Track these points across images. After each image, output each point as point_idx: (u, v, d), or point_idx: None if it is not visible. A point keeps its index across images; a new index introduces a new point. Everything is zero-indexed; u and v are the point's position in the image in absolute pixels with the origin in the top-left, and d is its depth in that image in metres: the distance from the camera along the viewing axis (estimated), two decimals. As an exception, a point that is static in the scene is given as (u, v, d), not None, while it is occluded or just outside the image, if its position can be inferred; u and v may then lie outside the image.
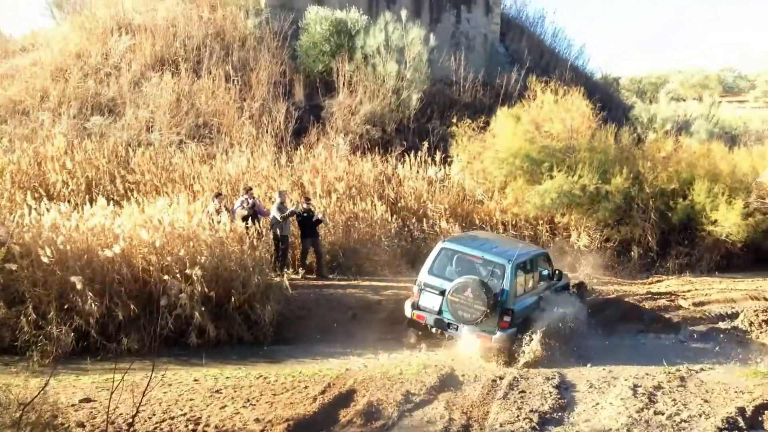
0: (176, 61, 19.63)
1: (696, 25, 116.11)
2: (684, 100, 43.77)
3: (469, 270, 10.76)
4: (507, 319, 10.38)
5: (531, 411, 8.18)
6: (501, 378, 9.35)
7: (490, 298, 10.19)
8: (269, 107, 18.84)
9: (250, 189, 14.22)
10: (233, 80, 19.31)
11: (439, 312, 10.65)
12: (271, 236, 13.57)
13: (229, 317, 11.24)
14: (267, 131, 18.06)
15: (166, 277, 10.85)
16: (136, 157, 16.02)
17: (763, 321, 12.20)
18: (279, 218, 13.53)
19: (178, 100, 18.46)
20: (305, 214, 13.99)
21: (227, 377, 9.33)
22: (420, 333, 11.15)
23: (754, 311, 12.52)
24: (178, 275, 10.91)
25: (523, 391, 8.89)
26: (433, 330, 10.91)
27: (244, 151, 16.96)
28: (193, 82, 19.06)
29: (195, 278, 10.80)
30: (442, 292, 10.56)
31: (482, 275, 10.59)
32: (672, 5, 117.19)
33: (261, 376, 9.40)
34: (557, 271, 12.03)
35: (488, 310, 10.17)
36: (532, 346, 10.33)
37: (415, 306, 10.91)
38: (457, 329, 10.55)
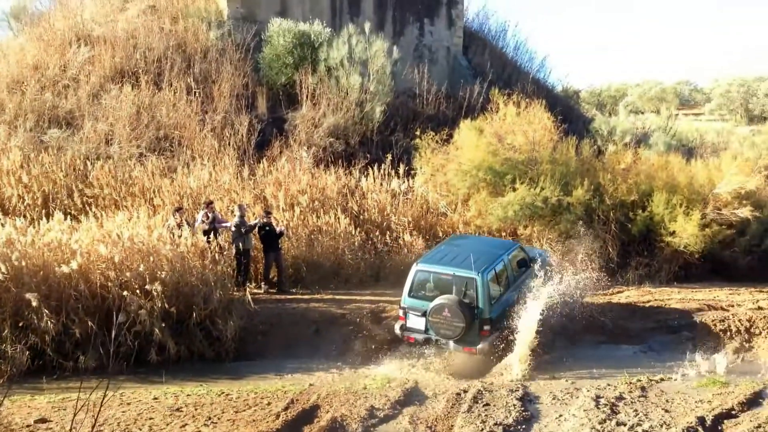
0: (136, 72, 19.36)
1: (653, 39, 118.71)
2: (642, 113, 44.67)
3: (445, 287, 11.17)
4: (486, 327, 10.94)
5: (495, 424, 8.19)
6: (465, 391, 9.35)
7: (467, 314, 10.71)
8: (231, 120, 18.68)
9: (211, 203, 14.07)
10: (195, 92, 19.11)
11: (426, 331, 11.10)
12: (234, 251, 13.42)
13: (190, 333, 11.08)
14: (229, 144, 17.90)
15: (125, 293, 10.67)
16: (95, 170, 15.76)
17: (721, 330, 12.39)
18: (241, 232, 13.40)
19: (138, 113, 18.20)
20: (267, 228, 13.90)
21: (188, 395, 9.18)
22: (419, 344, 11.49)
23: (712, 321, 12.71)
24: (137, 291, 10.74)
25: (487, 404, 8.90)
26: (426, 347, 11.32)
27: (205, 164, 16.78)
28: (154, 94, 18.81)
29: (155, 294, 10.63)
30: (424, 313, 11.01)
31: (458, 290, 11.03)
32: (630, 19, 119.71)
33: (223, 393, 9.27)
34: (530, 258, 12.86)
35: (467, 326, 10.67)
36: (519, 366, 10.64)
37: (404, 328, 11.34)
38: (446, 344, 11.04)
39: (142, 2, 22.51)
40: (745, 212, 17.30)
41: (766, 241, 18.32)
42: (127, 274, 10.87)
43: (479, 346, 10.86)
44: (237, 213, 13.82)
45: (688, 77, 70.38)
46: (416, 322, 11.19)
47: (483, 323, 10.91)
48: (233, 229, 13.53)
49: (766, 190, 20.26)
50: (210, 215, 13.52)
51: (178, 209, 13.53)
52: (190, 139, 17.88)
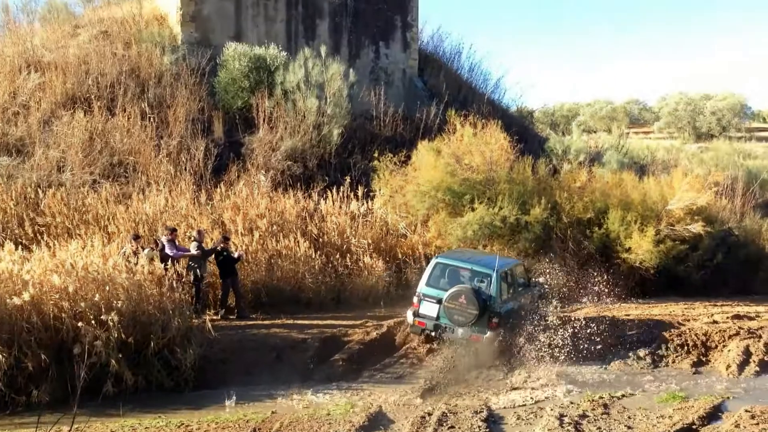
0: (89, 98, 19.04)
1: (602, 59, 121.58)
2: (595, 132, 45.58)
3: (461, 280, 12.33)
4: (495, 320, 11.93)
5: (460, 447, 8.15)
6: (430, 414, 9.30)
7: (481, 303, 11.71)
8: (187, 144, 18.47)
9: (174, 230, 13.82)
10: (149, 117, 18.87)
11: (437, 318, 12.09)
12: (192, 278, 13.22)
13: (147, 363, 10.79)
14: (185, 169, 17.67)
15: (79, 323, 10.35)
16: (47, 198, 15.35)
17: (678, 345, 12.58)
18: (200, 258, 13.24)
19: (91, 139, 17.86)
20: (225, 254, 13.76)
21: (146, 427, 8.95)
22: (421, 336, 12.49)
23: (670, 336, 12.91)
24: (92, 321, 10.42)
25: (452, 427, 8.86)
26: (433, 334, 12.23)
27: (161, 189, 16.52)
28: (107, 120, 18.51)
29: (111, 324, 10.34)
30: (439, 301, 12.01)
31: (473, 284, 12.12)
32: (579, 39, 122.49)
33: (182, 424, 9.06)
34: (532, 279, 14.14)
35: (479, 313, 11.64)
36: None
37: (416, 314, 12.31)
38: (453, 332, 11.96)
39: (93, 27, 22.26)
40: (697, 227, 17.72)
41: (718, 256, 18.79)
42: (82, 304, 10.56)
43: (487, 335, 11.80)
44: (195, 239, 13.64)
45: (637, 96, 72.20)
46: (429, 309, 12.15)
47: (492, 316, 11.91)
48: (195, 254, 13.36)
49: (716, 205, 20.82)
50: (159, 243, 13.34)
51: (136, 237, 13.27)
52: (145, 165, 17.61)
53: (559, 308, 13.80)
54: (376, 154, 18.68)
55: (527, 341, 12.15)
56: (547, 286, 14.89)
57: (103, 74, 19.82)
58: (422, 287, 12.45)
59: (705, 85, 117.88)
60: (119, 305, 10.64)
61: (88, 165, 17.23)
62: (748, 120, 54.77)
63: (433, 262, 12.83)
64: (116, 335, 10.34)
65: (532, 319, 12.59)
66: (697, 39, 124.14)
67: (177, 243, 13.67)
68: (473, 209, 16.60)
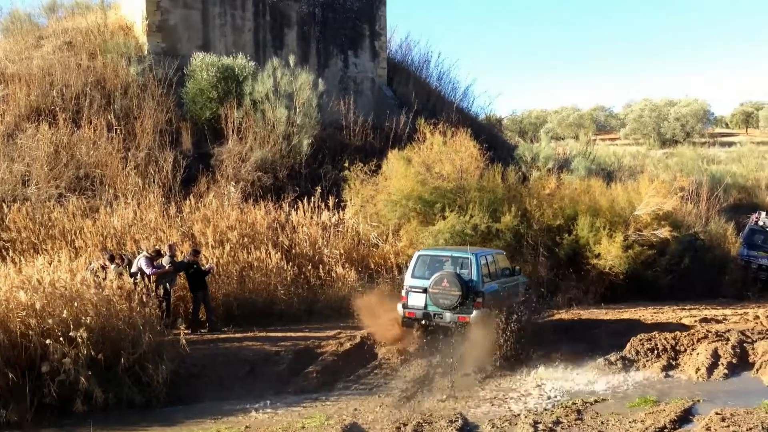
0: (53, 110, 18.79)
1: (569, 66, 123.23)
2: (562, 139, 46.18)
3: (442, 267, 12.89)
4: (479, 300, 12.51)
5: (436, 457, 8.13)
6: (405, 425, 9.27)
7: (463, 284, 12.32)
8: (155, 156, 18.29)
9: (158, 253, 13.65)
10: (116, 129, 18.67)
11: (425, 307, 12.66)
12: (161, 292, 13.07)
13: (118, 380, 10.61)
14: (154, 181, 17.50)
15: (47, 341, 10.15)
16: (11, 213, 15.10)
17: (648, 349, 12.70)
18: (172, 272, 13.13)
19: (57, 152, 17.61)
20: (195, 267, 13.64)
21: (117, 446, 8.78)
22: (415, 326, 12.99)
23: (640, 340, 13.03)
24: (61, 338, 10.23)
25: (427, 437, 8.84)
26: (423, 322, 12.76)
27: (129, 202, 16.33)
28: (73, 133, 18.28)
29: (80, 341, 10.16)
30: (425, 290, 12.61)
31: (453, 268, 12.75)
32: (545, 46, 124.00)
33: (154, 441, 8.91)
34: (516, 268, 14.74)
35: (463, 294, 12.24)
36: None
37: (405, 306, 12.89)
38: (441, 317, 12.56)
39: (57, 38, 21.97)
40: (664, 232, 17.97)
41: (684, 260, 19.09)
42: (50, 321, 10.35)
43: (473, 314, 12.33)
44: (167, 253, 13.51)
45: (603, 103, 73.23)
46: (417, 300, 12.74)
47: (476, 295, 12.48)
48: (168, 269, 13.25)
49: (682, 210, 21.17)
50: (125, 258, 13.23)
51: (111, 257, 13.09)
52: (113, 178, 17.40)
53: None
54: (346, 164, 18.66)
55: (503, 339, 12.28)
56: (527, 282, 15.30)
57: (68, 86, 19.57)
58: (408, 280, 13.07)
59: (668, 90, 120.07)
60: (88, 321, 10.44)
61: (54, 178, 16.97)
62: (711, 125, 55.91)
63: (415, 255, 13.45)
64: (85, 352, 10.16)
65: (518, 308, 12.80)
66: (660, 44, 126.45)
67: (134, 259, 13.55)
68: (444, 217, 16.65)
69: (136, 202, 16.45)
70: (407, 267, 13.60)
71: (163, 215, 16.18)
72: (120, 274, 12.11)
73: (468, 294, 12.39)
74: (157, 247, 13.98)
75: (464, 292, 12.31)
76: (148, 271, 13.00)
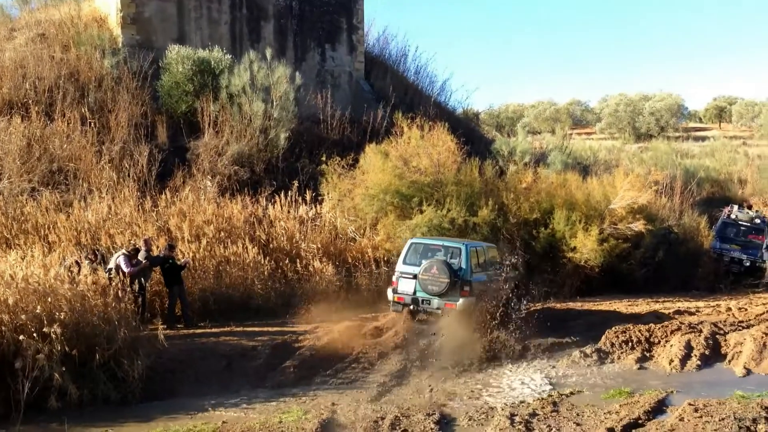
0: (26, 104, 18.49)
1: (546, 60, 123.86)
2: (539, 133, 46.45)
3: (434, 255, 13.44)
4: (467, 288, 13.03)
5: (414, 450, 8.17)
6: (382, 418, 9.29)
7: (452, 272, 12.85)
8: (130, 150, 18.09)
9: (136, 251, 13.49)
10: (90, 123, 18.42)
11: (414, 293, 13.22)
12: (137, 287, 12.95)
13: (93, 376, 10.49)
14: (129, 175, 17.31)
15: (21, 337, 10.00)
16: (-17, 207, 14.85)
17: (623, 341, 12.85)
18: (148, 267, 13.01)
19: (29, 145, 17.33)
20: (170, 262, 13.53)
21: (93, 442, 8.70)
22: (402, 311, 13.50)
23: (615, 332, 13.18)
24: (34, 334, 10.08)
25: (405, 430, 8.87)
26: (411, 307, 13.30)
27: (104, 196, 16.13)
28: (46, 126, 18.00)
29: (54, 336, 10.03)
30: (415, 276, 13.15)
31: (444, 257, 13.28)
32: (521, 40, 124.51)
33: (130, 437, 8.85)
34: (504, 261, 14.78)
35: (451, 281, 12.77)
36: None
37: (395, 291, 13.49)
38: (429, 303, 13.10)
39: (30, 30, 21.63)
40: (639, 226, 18.19)
41: (659, 253, 19.33)
42: (23, 316, 10.20)
43: (459, 302, 12.87)
44: (143, 248, 13.39)
45: (579, 97, 73.74)
46: (407, 285, 13.32)
47: (464, 284, 12.99)
48: (144, 266, 13.14)
49: (657, 204, 21.42)
50: (98, 254, 13.08)
51: (94, 252, 12.97)
52: (87, 172, 17.18)
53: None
54: (323, 158, 18.62)
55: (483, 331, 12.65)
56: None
57: (41, 78, 19.27)
58: (399, 266, 13.62)
59: (643, 85, 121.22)
60: (62, 317, 10.30)
61: (27, 172, 16.71)
62: (685, 120, 56.55)
63: (408, 242, 14.02)
64: (59, 348, 10.01)
65: (506, 300, 13.56)
66: (638, 40, 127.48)
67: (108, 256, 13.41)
68: (422, 211, 16.69)
69: (111, 196, 16.26)
70: (400, 254, 14.12)
71: (139, 209, 16.01)
72: (94, 270, 11.98)
73: (456, 282, 12.88)
74: (135, 244, 13.82)
75: (452, 280, 12.83)
76: (126, 269, 12.88)
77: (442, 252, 13.55)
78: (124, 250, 13.29)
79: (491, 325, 12.90)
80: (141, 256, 13.24)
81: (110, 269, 12.74)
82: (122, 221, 15.43)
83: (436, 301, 13.03)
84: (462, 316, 12.88)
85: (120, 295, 11.48)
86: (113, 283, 11.66)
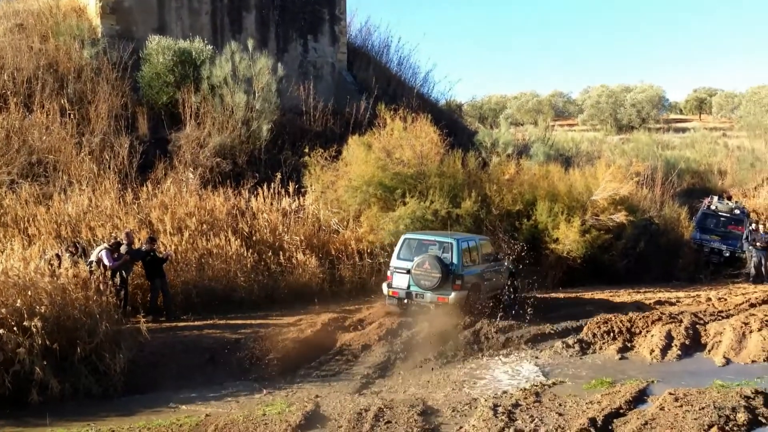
0: (4, 95, 18.26)
1: (526, 52, 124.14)
2: (522, 125, 46.56)
3: (427, 251, 13.71)
4: (458, 282, 13.35)
5: (398, 442, 8.19)
6: (366, 410, 9.30)
7: (443, 267, 13.13)
8: (111, 142, 17.92)
9: (118, 245, 13.36)
10: (69, 114, 18.23)
11: (408, 287, 13.48)
12: (118, 280, 12.86)
13: (74, 370, 10.42)
14: (109, 167, 17.15)
15: (0, 331, 9.91)
16: (-39, 200, 14.66)
17: (604, 332, 12.95)
18: (130, 260, 12.94)
19: (8, 137, 17.12)
20: (152, 254, 13.45)
21: (74, 436, 8.64)
22: (396, 304, 13.73)
23: (596, 323, 13.28)
24: (14, 328, 9.99)
25: (389, 422, 8.88)
26: (405, 301, 13.55)
27: (84, 189, 15.99)
28: (25, 117, 17.78)
29: (34, 330, 9.94)
30: (408, 271, 13.41)
31: (437, 253, 13.51)
32: (505, 33, 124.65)
33: (112, 431, 8.80)
34: (499, 254, 15.56)
35: (442, 276, 13.06)
36: None
37: (390, 285, 13.79)
38: (422, 297, 13.37)
39: (8, 20, 21.31)
40: (621, 217, 18.31)
41: (640, 244, 19.48)
42: (2, 310, 10.10)
43: (451, 296, 13.19)
44: (125, 241, 13.29)
45: (561, 89, 73.92)
46: (401, 280, 13.59)
47: (456, 278, 13.30)
48: (126, 259, 13.05)
49: (638, 195, 21.57)
50: (79, 247, 12.97)
51: (75, 245, 12.84)
52: (67, 164, 17.00)
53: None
54: (306, 150, 18.54)
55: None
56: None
57: (20, 69, 19.03)
58: (393, 261, 13.92)
59: (625, 77, 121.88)
60: (42, 310, 10.22)
61: (6, 164, 16.51)
62: (666, 111, 56.93)
63: (402, 238, 14.24)
64: (40, 342, 9.94)
65: (501, 291, 14.73)
66: (619, 31, 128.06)
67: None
68: (405, 203, 16.69)
69: (91, 188, 16.12)
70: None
71: (120, 202, 15.89)
72: (75, 263, 11.87)
73: (448, 276, 13.17)
74: (116, 238, 13.70)
75: (444, 275, 13.10)
76: (108, 263, 12.77)
77: (435, 247, 13.77)
78: (106, 244, 13.19)
79: (477, 317, 13.13)
80: (122, 249, 13.15)
81: (91, 262, 12.63)
82: (103, 214, 15.30)
83: (429, 295, 13.30)
84: (452, 309, 13.15)
85: (101, 288, 11.41)
86: (94, 277, 11.57)
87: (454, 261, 13.45)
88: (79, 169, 16.92)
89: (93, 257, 12.88)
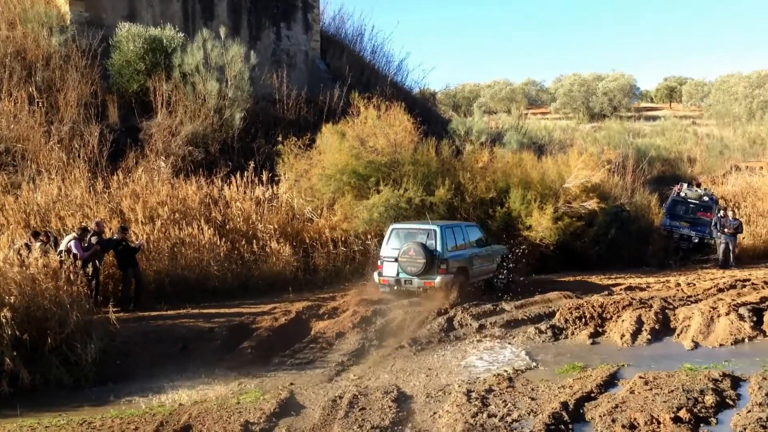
0: (-29, 83, 17.90)
1: (500, 40, 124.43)
2: (495, 113, 46.75)
3: (412, 238, 14.29)
4: (443, 267, 14.03)
5: (372, 428, 8.21)
6: (341, 397, 9.32)
7: (428, 253, 13.79)
8: (80, 130, 17.68)
9: (84, 230, 13.19)
10: (38, 102, 17.93)
11: (397, 274, 14.17)
12: (90, 270, 12.72)
13: (45, 360, 10.32)
14: (79, 156, 16.93)
15: (-31, 322, 9.77)
16: (-73, 190, 14.38)
17: (576, 318, 13.08)
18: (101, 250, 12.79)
19: (-25, 126, 16.83)
20: (123, 244, 13.32)
21: (46, 426, 8.56)
22: (388, 291, 14.43)
23: (569, 309, 13.41)
24: (-17, 319, 9.86)
25: (363, 408, 8.90)
26: (396, 288, 14.23)
27: (53, 178, 15.77)
28: (-9, 106, 17.46)
29: (3, 321, 9.82)
30: (396, 259, 14.03)
31: (421, 239, 14.12)
32: (477, 22, 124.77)
33: (85, 421, 8.71)
34: (488, 239, 16.30)
35: (427, 262, 13.73)
36: None
37: (380, 274, 14.44)
38: (411, 283, 14.06)
39: (-27, 7, 20.86)
40: (592, 204, 18.48)
41: (611, 231, 19.69)
42: (-30, 301, 9.99)
43: (437, 279, 13.88)
44: (95, 230, 13.14)
45: (534, 77, 74.38)
46: (390, 268, 14.23)
47: (440, 263, 13.97)
48: (97, 249, 12.89)
49: (609, 182, 21.80)
50: (51, 237, 12.80)
51: (35, 234, 12.65)
52: (35, 152, 16.76)
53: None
54: (280, 138, 18.46)
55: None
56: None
57: (-14, 56, 18.65)
58: (383, 251, 14.54)
59: (597, 65, 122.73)
60: (12, 301, 10.10)
61: (-28, 154, 16.24)
62: (637, 100, 57.53)
63: (390, 228, 14.83)
64: (10, 332, 9.82)
65: (494, 275, 15.68)
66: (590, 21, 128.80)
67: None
68: (379, 191, 16.70)
69: (61, 177, 15.92)
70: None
71: (90, 191, 15.71)
72: (45, 252, 11.72)
73: (433, 261, 13.83)
74: (83, 224, 13.55)
75: (429, 260, 13.75)
76: (78, 253, 12.62)
77: (420, 233, 14.33)
78: (74, 233, 13.03)
79: (465, 299, 13.99)
80: (93, 239, 13.00)
81: (61, 252, 12.48)
82: (73, 203, 15.13)
83: (416, 281, 13.95)
84: (439, 292, 13.91)
85: (72, 278, 11.28)
86: (65, 266, 11.43)
87: (438, 246, 14.02)
88: (48, 157, 16.69)
89: (62, 246, 12.72)
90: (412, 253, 13.87)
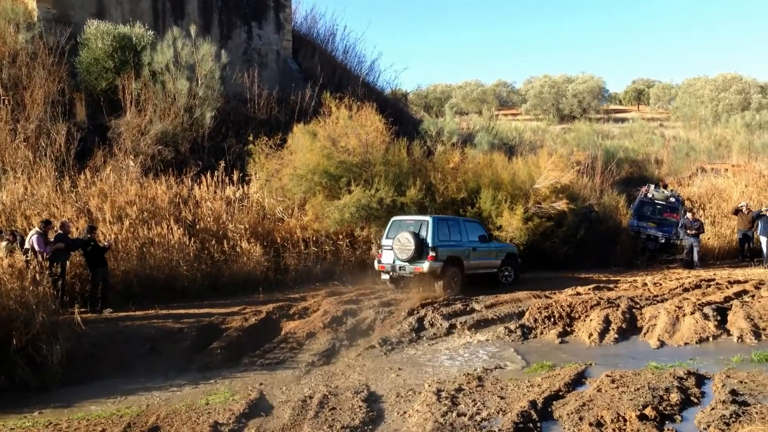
0: (-66, 80, 17.54)
1: (471, 42, 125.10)
2: (466, 114, 46.96)
3: (407, 228, 15.35)
4: (432, 254, 15.07)
5: (342, 427, 8.21)
6: (311, 397, 9.31)
7: (418, 240, 14.94)
8: (47, 128, 17.42)
9: (48, 223, 12.98)
10: (4, 100, 17.63)
11: (393, 261, 15.32)
12: (58, 270, 12.53)
13: (10, 361, 10.14)
14: (46, 154, 16.69)
15: (-69, 323, 9.59)
16: None
17: (545, 317, 13.21)
18: (66, 250, 12.59)
19: (-62, 123, 16.50)
20: (92, 244, 13.15)
21: (11, 428, 8.42)
22: (385, 278, 15.65)
23: (538, 309, 13.53)
24: (-54, 320, 9.68)
25: (333, 408, 8.90)
26: (392, 274, 15.43)
27: (19, 177, 15.52)
28: (-45, 103, 17.13)
29: (-33, 322, 9.66)
30: (392, 247, 15.21)
31: (416, 228, 15.24)
32: (450, 22, 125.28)
33: (51, 423, 8.59)
34: (489, 235, 17.18)
35: (417, 248, 14.87)
36: None
37: (380, 262, 15.62)
38: (405, 269, 15.21)
39: (-62, 3, 20.45)
40: (562, 205, 18.67)
41: (580, 231, 19.91)
42: (-67, 302, 9.80)
43: (425, 265, 14.95)
44: (59, 230, 12.95)
45: (505, 78, 74.77)
46: (388, 256, 15.45)
47: (430, 250, 14.97)
48: (61, 248, 12.70)
49: (578, 183, 22.03)
50: (17, 235, 12.59)
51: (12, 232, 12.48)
52: (0, 151, 16.48)
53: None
54: (251, 138, 18.36)
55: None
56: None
57: (-50, 53, 18.30)
58: (383, 240, 15.74)
59: (566, 67, 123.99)
60: (-25, 302, 9.92)
61: (-65, 152, 15.91)
62: (606, 102, 58.21)
63: (391, 220, 15.95)
64: (-27, 334, 9.65)
65: (496, 270, 16.79)
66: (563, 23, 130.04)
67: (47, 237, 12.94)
68: (350, 192, 16.70)
69: (27, 176, 15.67)
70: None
71: (57, 190, 15.49)
72: (11, 252, 11.53)
73: (422, 249, 14.93)
74: (43, 218, 13.34)
75: (418, 247, 14.86)
76: (39, 248, 12.42)
77: (414, 224, 15.46)
78: (37, 229, 12.82)
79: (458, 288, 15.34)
80: (58, 238, 12.82)
81: (27, 250, 12.29)
82: (39, 202, 14.91)
83: (408, 267, 15.12)
84: (428, 277, 15.07)
85: (38, 278, 11.10)
86: (31, 266, 11.25)
87: (429, 235, 15.11)
88: (13, 156, 16.43)
89: (27, 244, 12.53)
90: (404, 241, 14.96)
